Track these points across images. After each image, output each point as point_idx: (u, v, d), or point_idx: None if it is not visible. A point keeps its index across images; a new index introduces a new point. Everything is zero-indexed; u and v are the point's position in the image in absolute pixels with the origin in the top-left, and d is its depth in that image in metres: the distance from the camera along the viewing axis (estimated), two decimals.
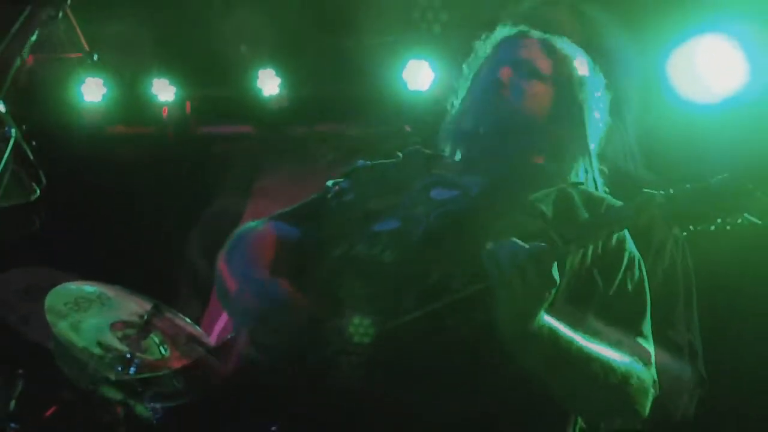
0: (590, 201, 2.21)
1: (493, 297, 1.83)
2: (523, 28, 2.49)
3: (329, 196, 2.37)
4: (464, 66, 2.53)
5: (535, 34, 2.45)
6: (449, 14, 4.80)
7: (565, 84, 2.37)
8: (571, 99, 2.37)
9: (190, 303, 5.04)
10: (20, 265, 4.39)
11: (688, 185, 1.87)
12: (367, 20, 4.87)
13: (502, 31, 2.50)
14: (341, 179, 2.41)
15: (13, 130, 1.83)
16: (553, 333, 1.87)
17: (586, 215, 2.13)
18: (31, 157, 2.11)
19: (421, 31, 4.98)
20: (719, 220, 1.86)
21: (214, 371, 2.36)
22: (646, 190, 1.89)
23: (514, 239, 1.83)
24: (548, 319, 1.86)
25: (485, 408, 1.91)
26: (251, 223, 2.40)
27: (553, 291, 1.84)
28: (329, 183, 2.41)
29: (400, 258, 2.03)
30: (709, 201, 1.84)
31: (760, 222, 1.84)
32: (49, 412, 3.87)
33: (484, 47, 2.50)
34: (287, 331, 1.95)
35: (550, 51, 2.41)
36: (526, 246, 1.82)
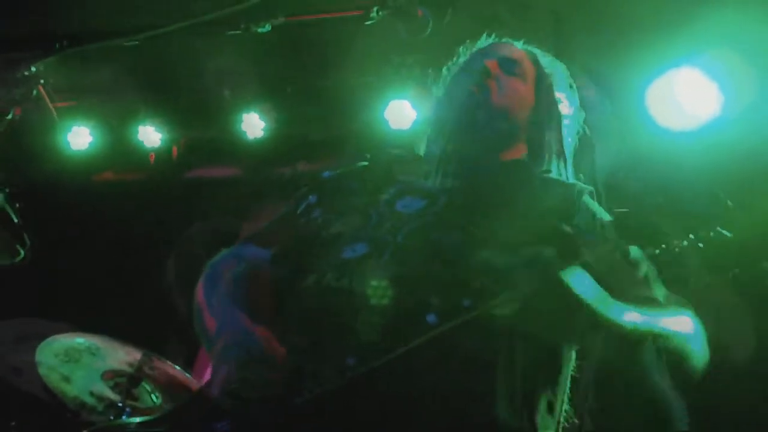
0: (558, 190, 2.22)
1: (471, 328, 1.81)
2: (508, 39, 2.50)
3: (298, 211, 2.32)
4: (444, 69, 2.51)
5: (520, 44, 2.49)
6: (421, 70, 4.90)
7: (545, 93, 2.39)
8: (550, 107, 2.39)
9: (181, 348, 5.03)
10: (10, 316, 4.40)
11: (659, 201, 1.90)
12: (347, 62, 4.94)
13: (488, 39, 2.51)
14: (307, 190, 2.36)
15: None
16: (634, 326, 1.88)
17: (562, 222, 2.09)
18: (16, 220, 2.13)
19: (402, 72, 5.07)
20: (692, 236, 1.87)
21: None
22: (617, 210, 1.92)
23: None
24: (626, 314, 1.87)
25: None
26: (225, 252, 2.33)
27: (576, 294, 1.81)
28: (296, 194, 2.37)
29: (370, 288, 1.97)
30: (683, 214, 1.87)
31: (731, 235, 1.86)
32: None
33: (467, 52, 2.50)
34: (261, 385, 1.87)
35: (534, 61, 2.44)
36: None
